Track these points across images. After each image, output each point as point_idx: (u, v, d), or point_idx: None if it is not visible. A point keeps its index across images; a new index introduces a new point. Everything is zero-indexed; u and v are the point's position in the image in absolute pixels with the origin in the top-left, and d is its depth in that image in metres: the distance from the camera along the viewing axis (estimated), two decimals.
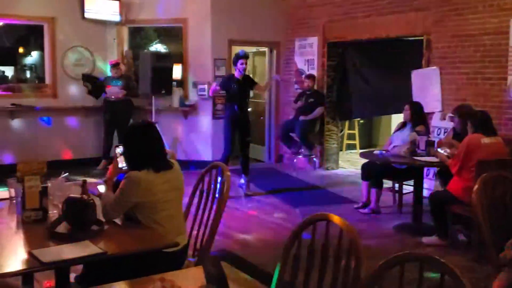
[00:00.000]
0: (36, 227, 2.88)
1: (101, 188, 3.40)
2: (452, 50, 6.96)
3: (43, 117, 8.69)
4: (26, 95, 8.73)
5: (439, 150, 5.48)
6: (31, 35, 13.74)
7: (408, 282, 1.98)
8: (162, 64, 8.77)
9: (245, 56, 7.18)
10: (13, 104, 8.41)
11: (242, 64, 7.10)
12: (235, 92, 7.16)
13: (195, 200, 3.53)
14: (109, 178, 3.30)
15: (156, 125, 3.44)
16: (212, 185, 3.45)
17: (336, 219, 2.35)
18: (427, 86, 7.23)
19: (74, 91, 8.91)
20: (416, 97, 7.21)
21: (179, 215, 3.24)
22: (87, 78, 8.66)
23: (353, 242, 2.23)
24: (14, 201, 3.18)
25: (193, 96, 9.08)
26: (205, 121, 9.10)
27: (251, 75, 10.41)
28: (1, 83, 10.05)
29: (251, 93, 7.89)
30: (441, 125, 7.04)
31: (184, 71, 9.28)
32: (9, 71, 14.29)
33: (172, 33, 11.76)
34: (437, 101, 7.14)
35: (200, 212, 3.43)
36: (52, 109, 8.75)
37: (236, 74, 7.20)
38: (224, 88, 7.36)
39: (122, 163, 3.28)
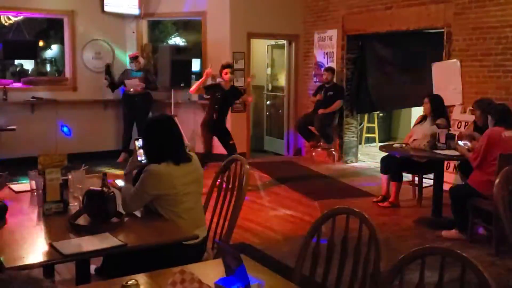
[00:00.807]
0: (57, 219, 2.91)
1: (120, 182, 3.43)
2: (473, 43, 6.87)
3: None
4: (46, 88, 8.82)
5: (459, 143, 5.42)
6: (51, 29, 13.90)
7: (429, 276, 1.97)
8: (181, 57, 8.80)
9: (228, 66, 7.21)
10: (33, 97, 8.50)
11: (226, 74, 7.11)
12: (218, 101, 7.14)
13: (214, 193, 3.54)
14: (128, 171, 3.32)
15: (175, 118, 3.46)
16: (231, 178, 3.45)
17: (355, 212, 2.34)
18: (448, 79, 7.15)
19: (94, 84, 8.96)
20: (436, 90, 7.14)
21: (199, 208, 3.25)
22: (108, 70, 8.71)
23: (373, 235, 2.22)
24: (35, 193, 3.21)
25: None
26: None
27: (269, 69, 10.43)
28: (21, 77, 10.17)
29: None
30: (461, 118, 6.96)
31: (203, 64, 9.28)
32: (29, 65, 14.46)
33: (191, 26, 11.80)
34: (457, 94, 7.06)
35: (219, 205, 3.44)
36: (72, 102, 8.83)
37: (223, 83, 7.22)
38: (207, 93, 7.35)
39: (141, 156, 3.30)
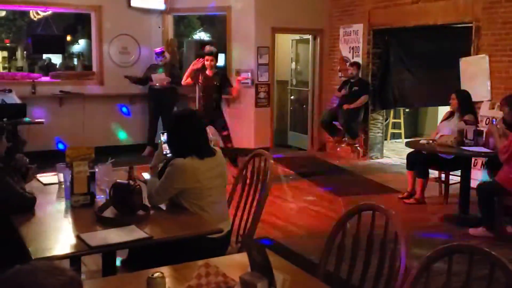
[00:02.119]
0: (84, 211, 2.95)
1: (146, 175, 3.45)
2: (502, 38, 6.75)
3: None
4: (73, 82, 8.93)
5: (493, 122, 5.29)
6: (79, 24, 14.07)
7: (455, 274, 1.94)
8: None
9: (210, 53, 7.06)
10: (61, 91, 8.61)
11: (207, 60, 7.03)
12: (202, 88, 7.05)
13: (238, 187, 3.55)
14: (154, 165, 3.34)
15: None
16: (255, 173, 3.46)
17: (381, 209, 2.32)
18: (476, 75, 7.04)
19: (120, 78, 9.04)
20: (464, 86, 7.04)
21: (223, 202, 3.26)
22: (137, 81, 8.84)
23: (399, 232, 2.20)
24: (63, 185, 3.26)
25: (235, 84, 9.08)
26: (247, 109, 9.12)
27: (293, 64, 10.39)
28: (49, 71, 10.31)
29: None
30: (490, 114, 6.85)
31: (227, 59, 9.30)
32: (57, 59, 14.66)
33: (215, 21, 11.83)
34: (486, 90, 6.95)
35: (243, 199, 3.45)
36: (99, 96, 8.93)
37: (206, 70, 7.12)
38: (193, 79, 7.25)
39: (166, 150, 3.32)
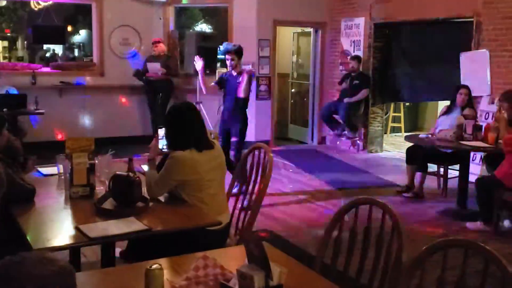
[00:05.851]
0: (83, 202, 2.96)
1: (145, 167, 3.47)
2: (502, 33, 6.75)
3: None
4: (74, 73, 8.91)
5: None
6: (79, 14, 14.03)
7: (450, 268, 1.96)
8: (207, 44, 8.81)
9: (226, 51, 6.18)
10: (61, 82, 8.61)
11: (227, 60, 6.14)
12: (224, 90, 6.28)
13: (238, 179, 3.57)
14: (151, 157, 3.35)
15: (200, 105, 3.48)
16: (255, 166, 3.47)
17: (378, 202, 2.34)
18: (476, 69, 7.04)
19: (121, 69, 9.03)
20: (464, 80, 7.04)
21: (222, 194, 3.28)
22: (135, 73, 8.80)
23: (396, 225, 2.21)
24: (63, 177, 3.27)
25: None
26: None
27: (294, 57, 10.36)
28: (50, 61, 10.30)
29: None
30: (489, 109, 6.86)
31: None
32: (57, 50, 14.63)
33: (217, 13, 11.81)
34: (485, 84, 6.96)
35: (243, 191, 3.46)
36: (99, 87, 8.92)
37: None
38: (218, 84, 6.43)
39: (163, 145, 3.33)
